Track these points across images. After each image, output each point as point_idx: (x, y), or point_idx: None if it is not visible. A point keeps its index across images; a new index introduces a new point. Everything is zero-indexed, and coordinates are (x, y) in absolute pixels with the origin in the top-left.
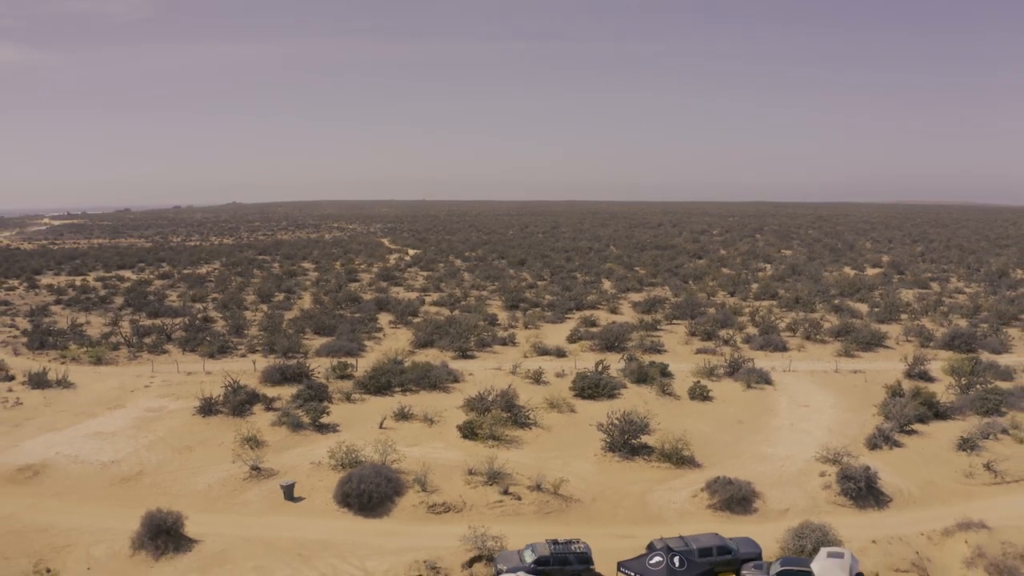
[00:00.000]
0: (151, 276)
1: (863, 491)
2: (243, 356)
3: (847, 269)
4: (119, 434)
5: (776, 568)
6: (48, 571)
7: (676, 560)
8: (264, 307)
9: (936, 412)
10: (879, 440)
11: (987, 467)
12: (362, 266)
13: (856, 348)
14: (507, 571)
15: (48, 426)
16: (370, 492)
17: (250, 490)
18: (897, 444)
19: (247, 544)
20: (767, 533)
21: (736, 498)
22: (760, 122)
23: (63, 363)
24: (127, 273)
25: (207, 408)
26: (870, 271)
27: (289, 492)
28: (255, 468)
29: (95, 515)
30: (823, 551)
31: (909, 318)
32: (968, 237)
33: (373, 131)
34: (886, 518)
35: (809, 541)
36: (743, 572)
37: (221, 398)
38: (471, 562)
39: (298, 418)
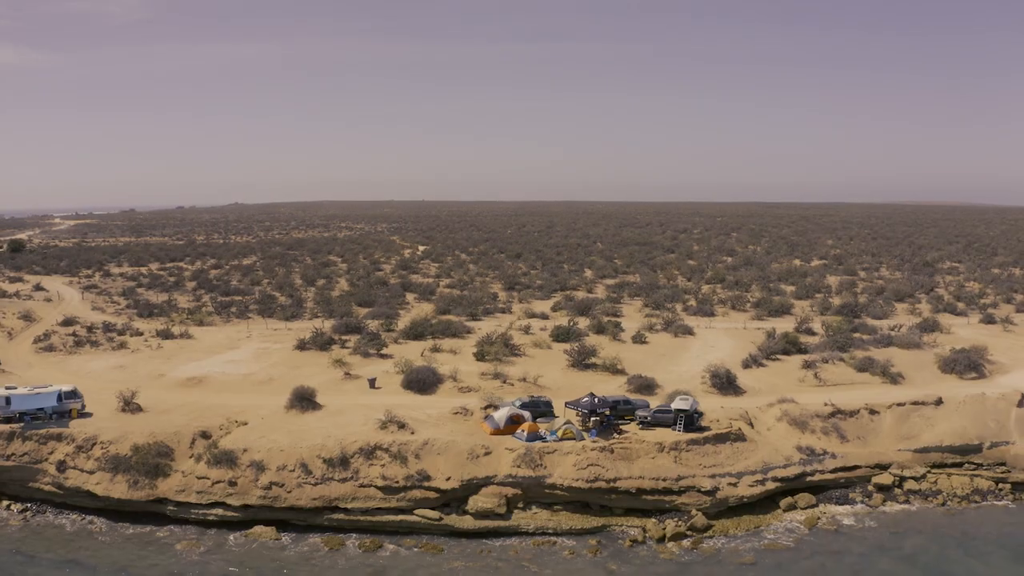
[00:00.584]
0: (206, 266)
1: (725, 384)
2: (309, 320)
3: (796, 261)
4: (245, 361)
5: (653, 409)
6: (237, 422)
7: (597, 400)
8: (311, 289)
9: (798, 348)
10: (749, 362)
11: (815, 376)
12: (381, 259)
13: (766, 314)
14: (505, 407)
15: (192, 359)
16: (423, 380)
17: (346, 384)
18: (761, 364)
19: (354, 407)
20: (659, 401)
21: (644, 385)
22: (760, 122)
23: (173, 325)
24: (182, 264)
25: (302, 345)
26: (815, 262)
27: (372, 383)
28: (347, 373)
29: (251, 399)
30: (677, 396)
31: (823, 296)
32: (927, 235)
33: (373, 131)
34: (738, 400)
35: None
36: (637, 413)
37: (309, 339)
38: (485, 407)
39: (366, 349)
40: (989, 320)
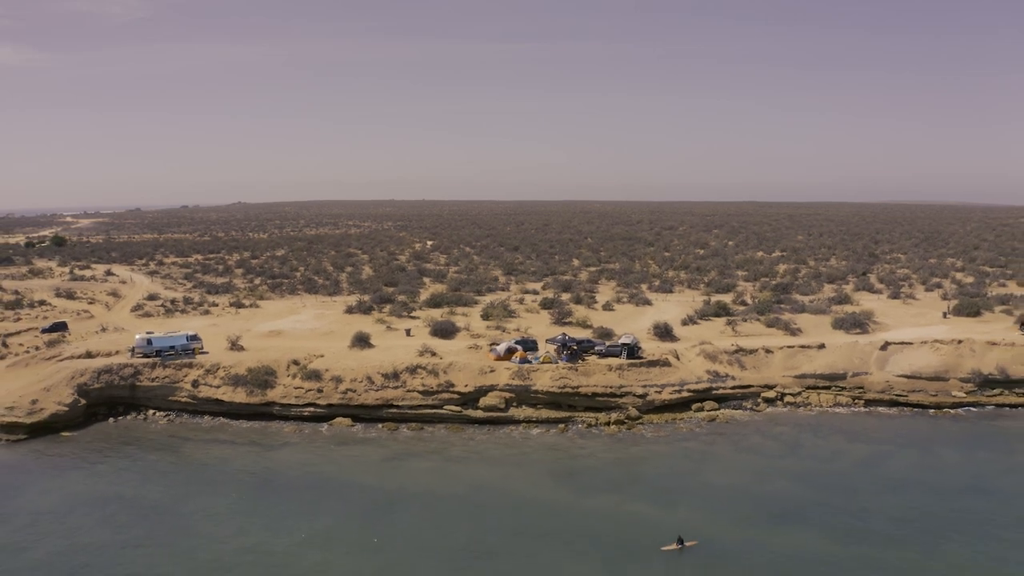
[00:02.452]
0: (244, 256)
1: (664, 334)
2: (347, 295)
3: (759, 253)
4: (308, 321)
5: (607, 344)
6: (316, 355)
7: (568, 338)
8: (342, 273)
9: (727, 312)
10: (687, 321)
11: (733, 330)
12: (396, 251)
13: (714, 292)
14: (504, 343)
15: (266, 320)
16: (445, 329)
17: (388, 334)
18: (695, 323)
19: (397, 346)
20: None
21: (604, 334)
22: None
23: (242, 298)
24: (222, 255)
25: (349, 310)
26: (776, 254)
27: (408, 332)
28: (388, 327)
29: (320, 344)
30: (623, 336)
31: (768, 279)
32: (895, 231)
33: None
34: (672, 344)
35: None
36: (596, 348)
37: (355, 306)
38: (490, 344)
39: (400, 312)
40: (895, 296)
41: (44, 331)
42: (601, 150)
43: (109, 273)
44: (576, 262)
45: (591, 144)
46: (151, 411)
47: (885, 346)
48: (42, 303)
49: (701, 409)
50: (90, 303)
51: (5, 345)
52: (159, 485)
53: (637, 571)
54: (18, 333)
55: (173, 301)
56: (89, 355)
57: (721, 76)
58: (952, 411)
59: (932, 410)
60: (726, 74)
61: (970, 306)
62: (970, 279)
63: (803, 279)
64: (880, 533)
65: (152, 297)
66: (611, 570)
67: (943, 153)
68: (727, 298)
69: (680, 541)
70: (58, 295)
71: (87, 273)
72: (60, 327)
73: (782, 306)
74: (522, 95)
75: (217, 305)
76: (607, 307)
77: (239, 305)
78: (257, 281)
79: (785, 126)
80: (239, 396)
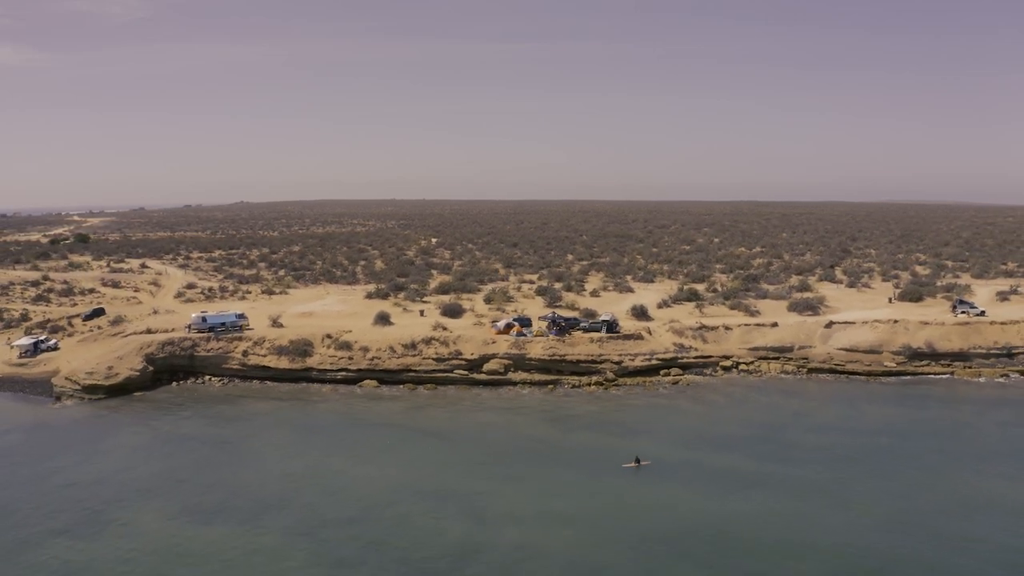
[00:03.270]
0: (265, 252)
1: (640, 314)
2: (364, 285)
3: (741, 248)
4: (334, 304)
5: (590, 322)
6: (345, 331)
7: (557, 316)
8: (357, 266)
9: (697, 297)
10: (661, 304)
11: (700, 311)
12: (403, 247)
13: (690, 281)
14: (504, 320)
15: (297, 304)
16: (453, 310)
17: (405, 314)
18: (669, 306)
19: (413, 324)
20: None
21: (588, 314)
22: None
23: (273, 287)
24: (242, 251)
25: (369, 296)
26: (757, 249)
27: (422, 313)
28: (404, 309)
29: (346, 322)
30: (602, 314)
31: (743, 270)
32: (875, 229)
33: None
34: (646, 323)
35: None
36: (580, 325)
37: (374, 292)
38: (492, 321)
39: (413, 297)
40: (852, 285)
41: (86, 318)
42: (601, 150)
43: (144, 266)
44: (570, 257)
45: (591, 144)
46: (207, 377)
47: (829, 324)
48: (92, 291)
49: (668, 374)
50: (135, 291)
51: (71, 324)
52: (226, 427)
53: (606, 480)
54: (78, 316)
55: (210, 289)
56: (149, 331)
57: (721, 76)
58: (882, 378)
59: (865, 377)
60: (726, 74)
61: (913, 292)
62: (927, 271)
63: (774, 271)
64: (798, 459)
65: (190, 286)
66: (587, 479)
67: (943, 153)
68: (701, 287)
69: (637, 460)
70: (104, 284)
71: (124, 266)
72: (99, 313)
73: (748, 293)
74: (522, 95)
75: (250, 292)
76: (594, 294)
77: (270, 292)
78: (281, 273)
79: (785, 126)
80: (283, 363)
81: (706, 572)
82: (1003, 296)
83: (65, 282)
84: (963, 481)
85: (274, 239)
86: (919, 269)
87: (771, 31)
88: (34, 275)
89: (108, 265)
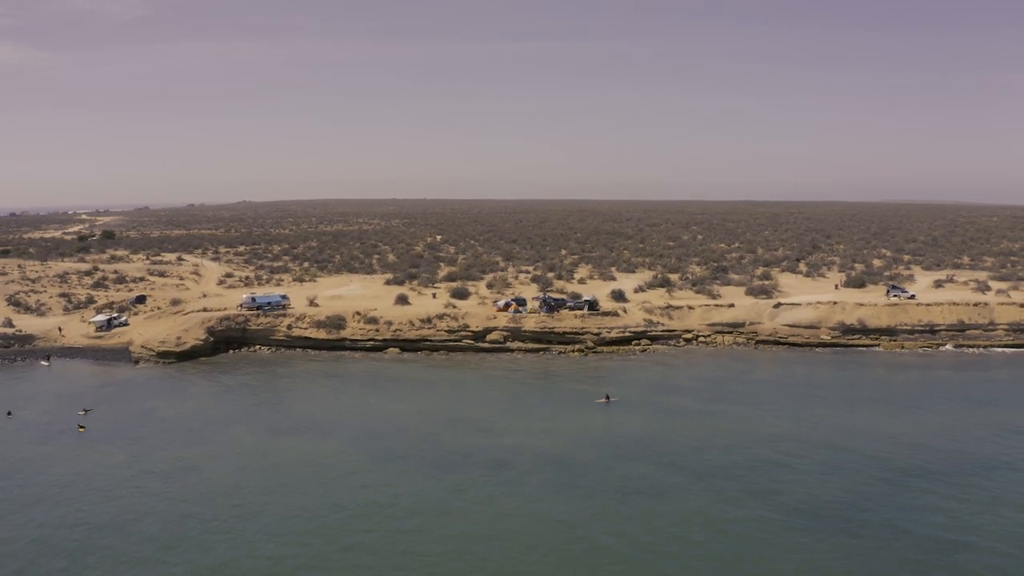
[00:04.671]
0: (286, 247)
1: (619, 297)
2: (381, 274)
3: (721, 244)
4: (358, 289)
5: (573, 302)
6: (371, 309)
7: (547, 296)
8: (372, 259)
9: (669, 284)
10: (637, 290)
11: (669, 294)
12: (411, 243)
13: (666, 271)
14: (503, 300)
15: (326, 289)
16: (461, 292)
17: (419, 297)
18: (643, 291)
19: (427, 304)
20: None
21: (574, 296)
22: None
23: (303, 275)
24: (263, 246)
25: (388, 283)
26: (736, 244)
27: (434, 295)
28: (419, 293)
29: (371, 303)
30: (585, 296)
31: (716, 263)
32: (853, 227)
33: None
34: (623, 303)
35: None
36: (567, 304)
37: (391, 279)
38: (494, 301)
39: (425, 283)
40: (809, 275)
41: (131, 304)
42: (601, 150)
43: (180, 259)
44: (563, 252)
45: (591, 144)
46: (257, 346)
47: (778, 305)
48: (142, 279)
49: (638, 344)
50: (180, 279)
51: (133, 306)
52: (281, 380)
53: (582, 410)
54: (123, 301)
55: (247, 277)
56: (206, 310)
57: (721, 76)
58: (818, 349)
59: (804, 348)
60: (726, 74)
61: (858, 280)
62: (882, 263)
63: (744, 264)
64: (731, 400)
65: (228, 275)
66: (569, 409)
67: (943, 153)
68: (675, 276)
69: (607, 397)
70: (151, 274)
71: (162, 259)
72: (142, 300)
73: (715, 281)
74: (522, 95)
75: (283, 280)
76: (581, 281)
77: (301, 280)
78: (306, 264)
79: (785, 126)
80: (321, 334)
81: (650, 462)
82: (939, 284)
83: (115, 272)
84: (853, 416)
85: (289, 236)
86: (876, 262)
87: (771, 31)
88: (85, 266)
89: (147, 258)
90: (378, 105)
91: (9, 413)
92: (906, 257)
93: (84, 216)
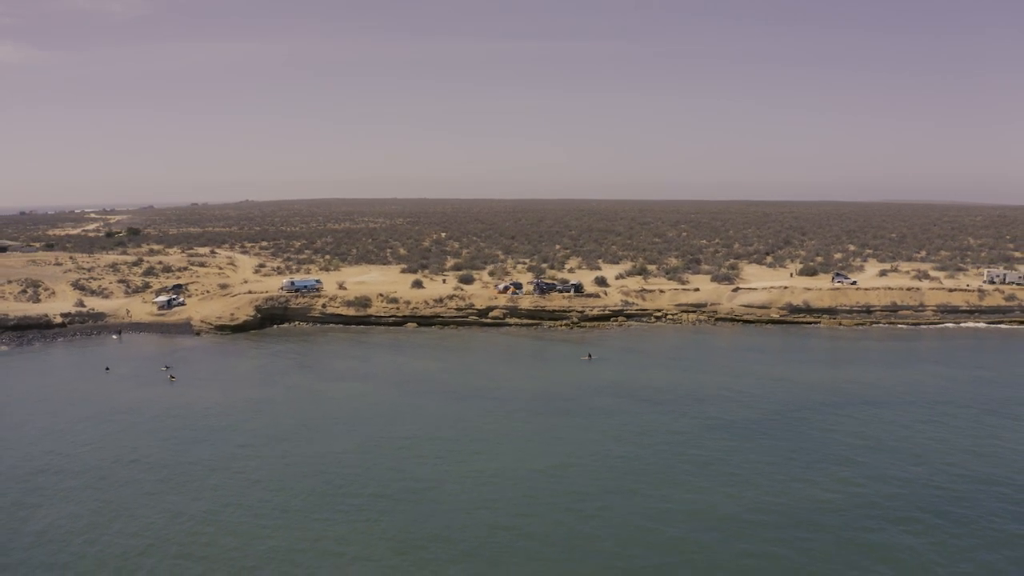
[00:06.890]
0: (304, 242)
1: (602, 283)
2: (396, 265)
3: (703, 240)
4: (377, 276)
5: (561, 286)
6: (391, 292)
7: (540, 281)
8: (386, 252)
9: (645, 272)
10: (619, 276)
11: (645, 280)
12: (418, 239)
13: (646, 263)
14: (503, 284)
15: (351, 276)
16: (467, 279)
17: (431, 283)
18: (623, 278)
19: (439, 288)
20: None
21: (563, 281)
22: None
23: (328, 265)
24: (283, 241)
25: (403, 271)
26: (716, 240)
27: (443, 281)
28: (431, 279)
29: (390, 287)
30: (574, 281)
31: (693, 256)
32: (834, 226)
33: (373, 131)
34: (605, 288)
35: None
36: (557, 287)
37: (407, 268)
38: (495, 285)
39: (435, 272)
40: (772, 265)
41: (169, 289)
42: (601, 149)
43: (213, 252)
44: (558, 246)
45: (591, 143)
46: (297, 322)
47: (736, 289)
48: (185, 269)
49: (616, 321)
50: (220, 269)
51: (188, 288)
52: (323, 347)
53: (570, 365)
54: (185, 285)
55: (279, 267)
56: (251, 292)
57: (721, 76)
58: (767, 325)
59: (756, 324)
60: (726, 74)
61: (809, 270)
62: (841, 256)
63: (718, 257)
64: (688, 359)
65: (262, 265)
66: (558, 365)
67: (943, 153)
68: (653, 267)
69: (589, 355)
70: (192, 264)
71: (197, 252)
72: (179, 288)
73: (688, 270)
74: (522, 95)
75: (310, 270)
76: (571, 270)
77: (326, 269)
78: (327, 257)
79: (785, 126)
80: (351, 312)
81: (620, 397)
82: (883, 273)
83: (160, 262)
84: (785, 368)
85: (303, 232)
86: (837, 255)
87: (771, 31)
88: (130, 258)
89: (183, 252)
90: (378, 105)
91: (107, 368)
92: (867, 251)
93: (94, 215)
